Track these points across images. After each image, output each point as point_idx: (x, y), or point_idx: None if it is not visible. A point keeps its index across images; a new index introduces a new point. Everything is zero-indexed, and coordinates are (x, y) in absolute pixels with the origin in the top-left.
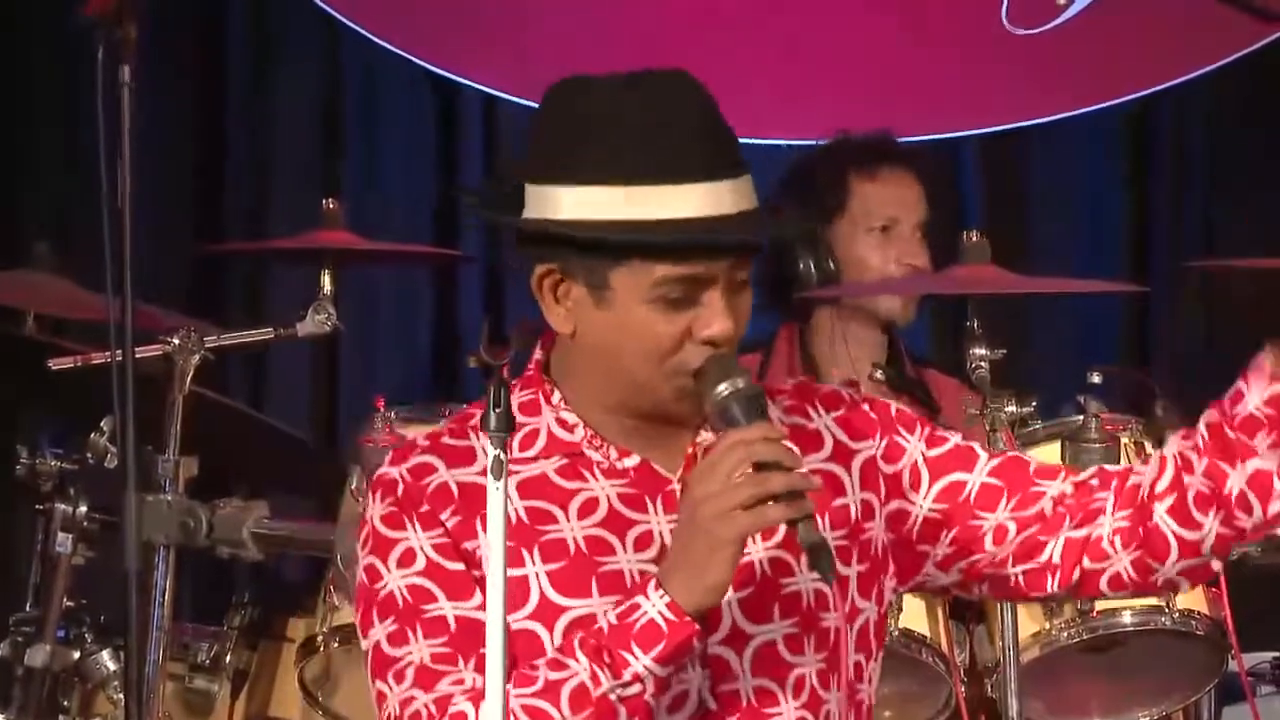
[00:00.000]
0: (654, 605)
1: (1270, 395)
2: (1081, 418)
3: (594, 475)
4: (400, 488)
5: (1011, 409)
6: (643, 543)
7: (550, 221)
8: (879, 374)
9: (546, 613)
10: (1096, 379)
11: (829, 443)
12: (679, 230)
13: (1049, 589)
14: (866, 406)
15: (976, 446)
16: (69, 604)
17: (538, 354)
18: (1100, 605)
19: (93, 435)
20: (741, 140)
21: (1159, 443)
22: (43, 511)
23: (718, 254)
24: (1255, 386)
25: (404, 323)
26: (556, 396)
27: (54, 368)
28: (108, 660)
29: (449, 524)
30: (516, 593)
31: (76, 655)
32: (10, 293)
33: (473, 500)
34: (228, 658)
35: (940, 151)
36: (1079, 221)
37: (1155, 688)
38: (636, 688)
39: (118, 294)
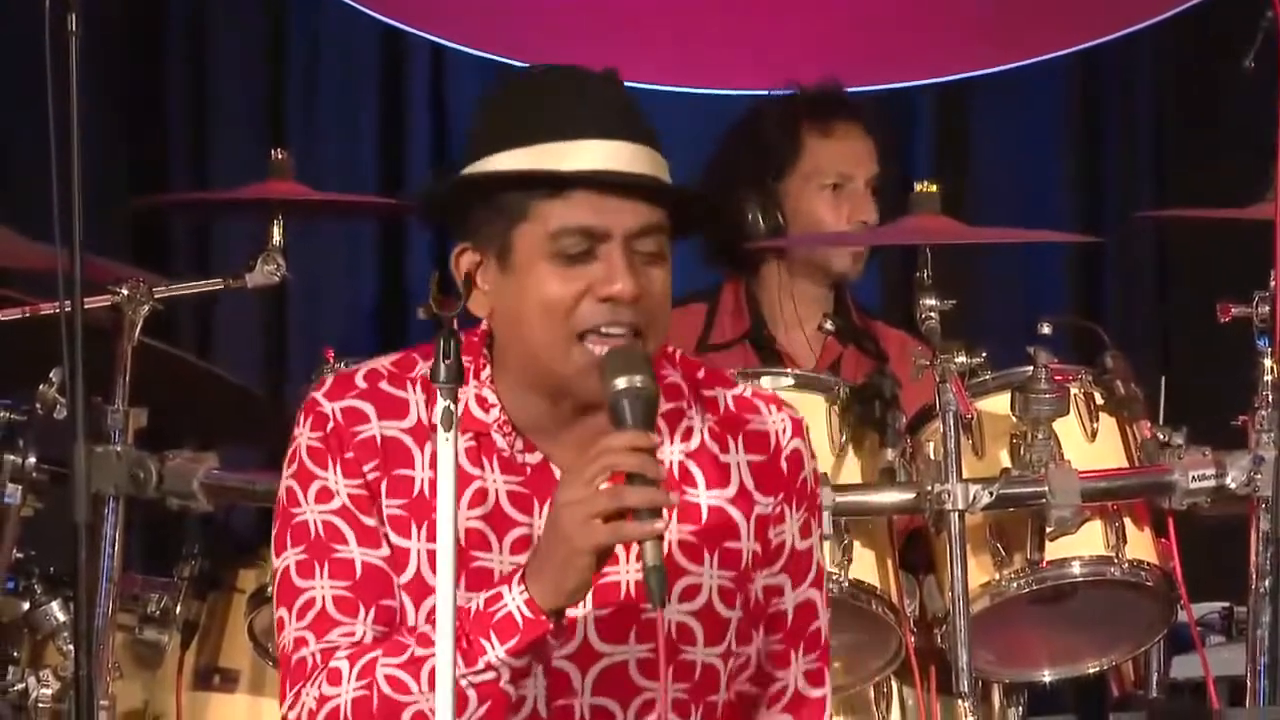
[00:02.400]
0: (514, 599)
1: None
2: (1031, 369)
3: (492, 465)
4: (330, 425)
5: (961, 360)
6: (519, 546)
7: (458, 177)
8: (828, 324)
9: (417, 590)
10: (1046, 329)
11: (734, 484)
12: (574, 175)
13: None
14: (785, 460)
15: (813, 562)
16: (18, 555)
17: (485, 322)
18: (1049, 555)
19: (41, 386)
20: (691, 90)
21: (1108, 393)
22: None
23: (614, 196)
24: None
25: (352, 274)
26: (486, 371)
27: (1, 318)
28: (57, 611)
29: (369, 477)
30: (398, 561)
31: (26, 606)
32: None
33: (394, 456)
34: (177, 609)
35: (891, 102)
36: (1029, 172)
37: (1105, 638)
38: (489, 675)
39: (66, 244)
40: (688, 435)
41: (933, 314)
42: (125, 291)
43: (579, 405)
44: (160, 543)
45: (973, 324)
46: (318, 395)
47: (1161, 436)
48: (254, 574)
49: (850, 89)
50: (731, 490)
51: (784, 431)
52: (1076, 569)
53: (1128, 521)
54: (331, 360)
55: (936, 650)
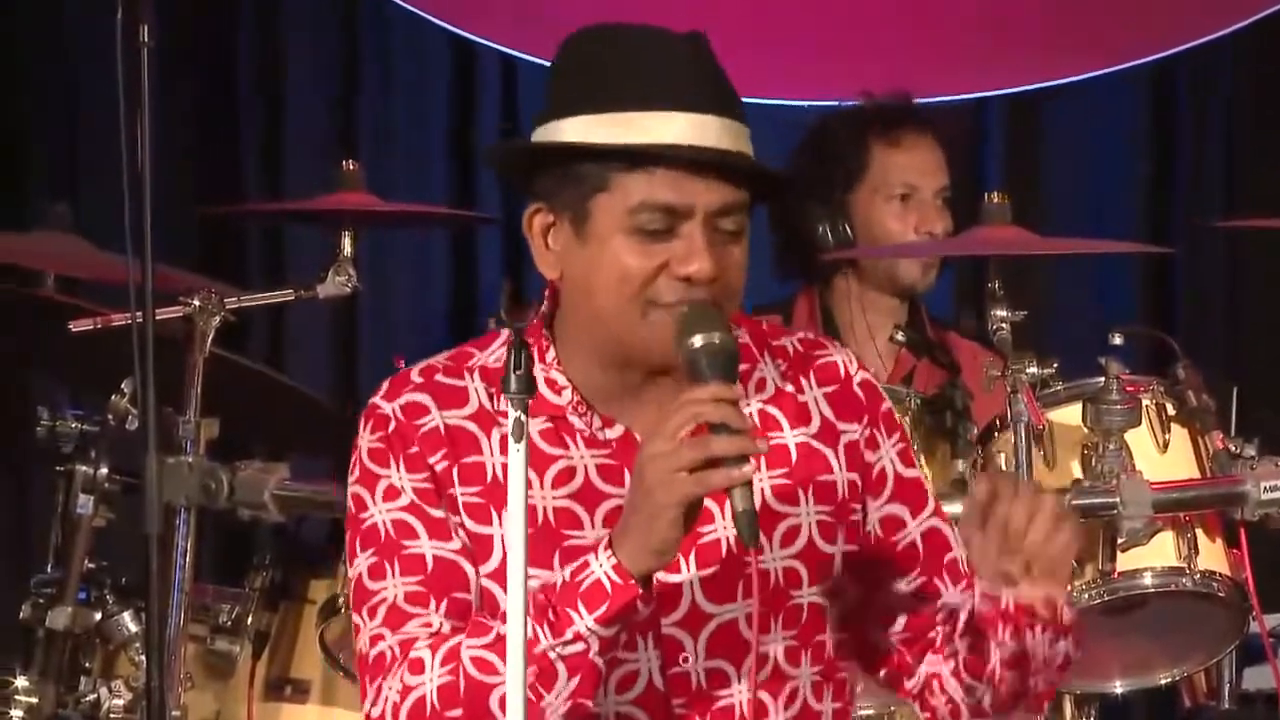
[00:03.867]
0: (601, 566)
1: (981, 594)
2: (1103, 379)
3: (575, 443)
4: (391, 424)
5: (1033, 370)
6: (612, 518)
7: (536, 144)
8: (899, 335)
9: (505, 576)
10: (1118, 340)
11: (816, 419)
12: (659, 149)
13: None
14: (859, 387)
15: (929, 490)
16: (90, 566)
17: (544, 306)
18: (1121, 567)
19: (113, 397)
20: (763, 101)
21: (1180, 404)
22: (63, 473)
23: (699, 173)
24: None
25: (423, 284)
26: (551, 354)
27: (74, 329)
28: (129, 622)
29: (436, 468)
30: (482, 549)
31: (98, 617)
32: (29, 254)
33: (460, 444)
34: (249, 619)
35: (962, 112)
36: (1100, 182)
37: (1176, 649)
38: (579, 646)
39: (138, 255)
40: (761, 386)
41: (1004, 324)
42: (197, 302)
43: (648, 371)
44: (232, 553)
45: (1044, 335)
46: (375, 399)
47: (1233, 447)
48: (325, 584)
49: (920, 99)
50: (814, 426)
51: (850, 363)
52: (1148, 580)
53: (1199, 532)
54: (403, 368)
55: None
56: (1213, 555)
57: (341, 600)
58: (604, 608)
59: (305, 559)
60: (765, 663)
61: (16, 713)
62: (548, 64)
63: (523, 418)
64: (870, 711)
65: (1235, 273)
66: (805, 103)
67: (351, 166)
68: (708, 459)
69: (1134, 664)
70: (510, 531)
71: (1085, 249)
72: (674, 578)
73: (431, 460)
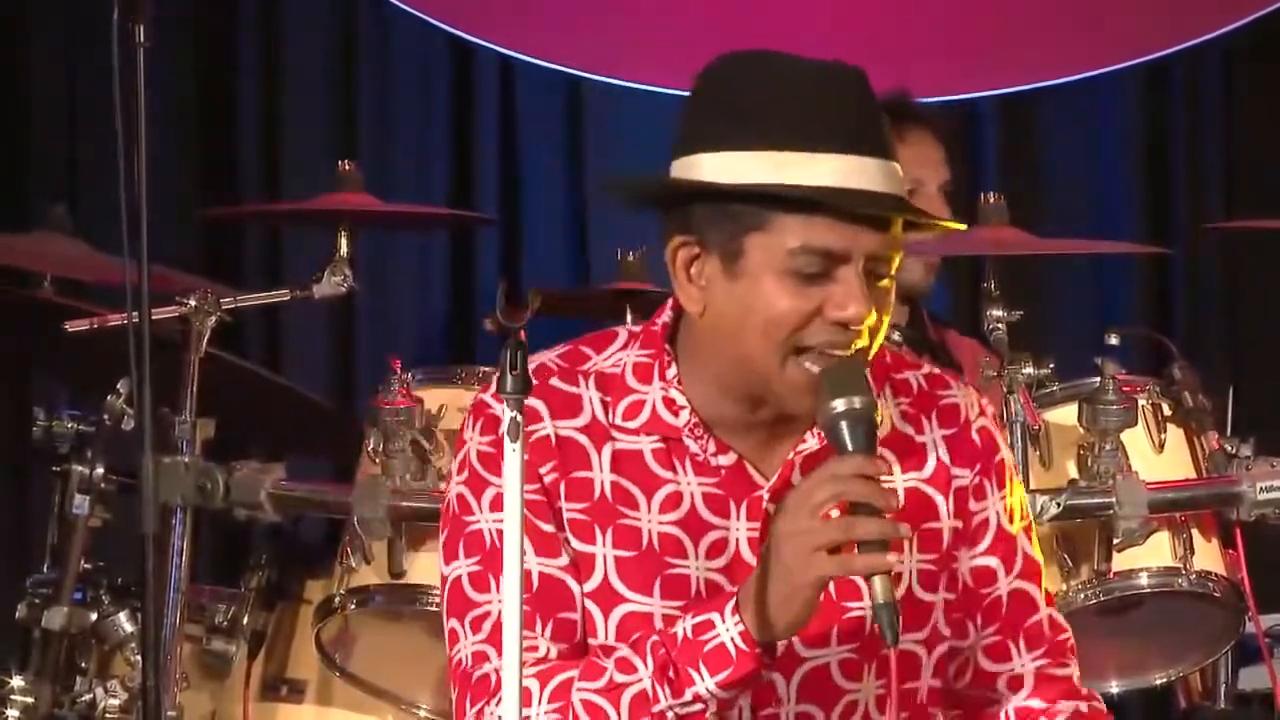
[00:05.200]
0: (727, 630)
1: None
2: (1099, 379)
3: (685, 468)
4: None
5: (1029, 370)
6: (716, 550)
7: (687, 182)
8: (896, 336)
9: (606, 598)
10: (1114, 340)
11: (931, 462)
12: (823, 194)
13: None
14: (976, 434)
15: (1019, 550)
16: (86, 566)
17: (666, 314)
18: (1117, 567)
19: (109, 397)
20: None
21: (1176, 404)
22: (60, 473)
23: (860, 223)
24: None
25: (421, 285)
26: (672, 371)
27: (70, 330)
28: (125, 622)
29: (546, 480)
30: (584, 567)
31: (94, 617)
32: (26, 255)
33: (571, 457)
34: (245, 619)
35: (957, 112)
36: (1097, 182)
37: (1172, 649)
38: (697, 707)
39: (134, 256)
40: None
41: (1000, 325)
42: (193, 302)
43: (785, 415)
44: (228, 553)
45: (1040, 335)
46: (485, 397)
47: (1229, 448)
48: (321, 585)
49: (917, 99)
50: (928, 470)
51: (973, 406)
52: (1144, 580)
53: (1195, 533)
54: (398, 370)
55: None
56: (1209, 555)
57: (338, 600)
58: (727, 673)
59: (302, 559)
60: (855, 710)
61: (12, 713)
62: (545, 65)
63: (518, 417)
64: None
65: (1232, 273)
66: None
67: (348, 167)
68: (850, 541)
69: (1130, 664)
70: (506, 534)
71: (1082, 249)
72: (776, 654)
73: (542, 471)
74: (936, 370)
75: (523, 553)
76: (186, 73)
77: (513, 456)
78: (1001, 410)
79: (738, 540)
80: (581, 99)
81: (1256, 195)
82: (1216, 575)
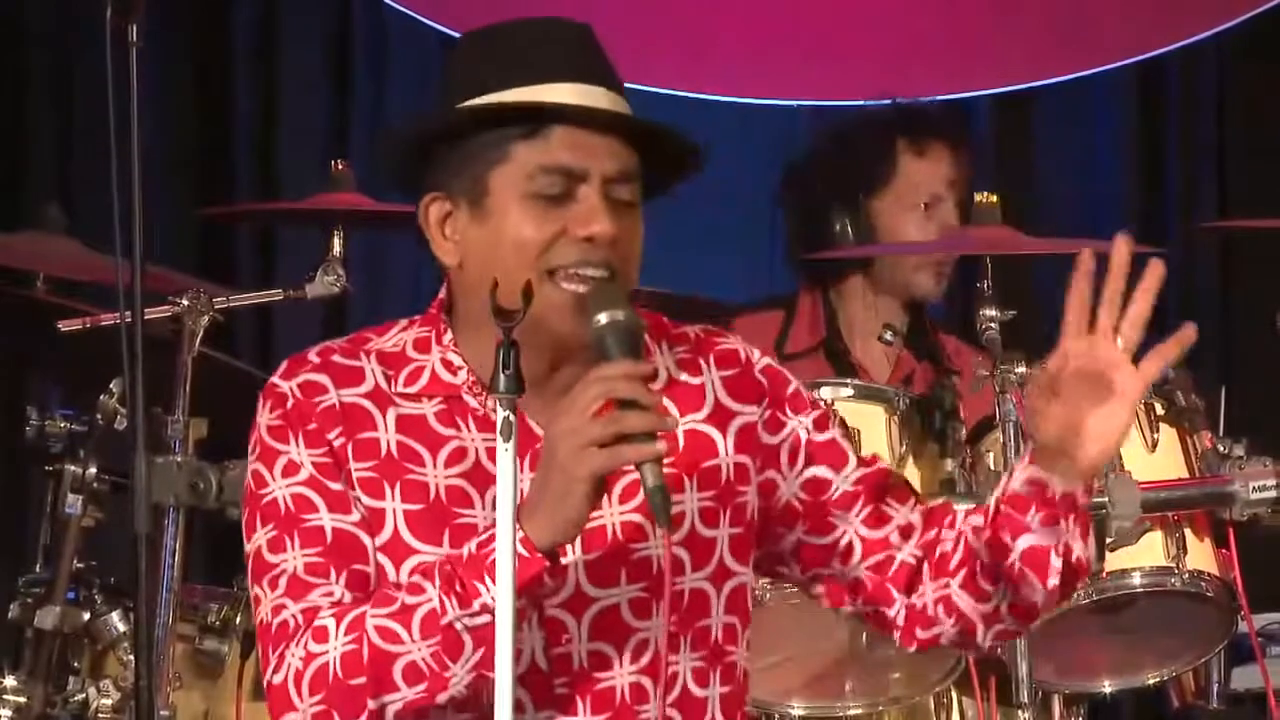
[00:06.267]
0: None
1: (1028, 476)
2: None
3: (468, 425)
4: (289, 401)
5: (1021, 370)
6: None
7: (423, 118)
8: (887, 335)
9: (396, 550)
10: None
11: (709, 402)
12: (552, 108)
13: (893, 638)
14: (760, 374)
15: (849, 449)
16: (79, 565)
17: (441, 292)
18: (1110, 566)
19: (102, 397)
20: (752, 101)
21: (1169, 404)
22: (52, 473)
23: (594, 136)
24: (1019, 465)
25: (413, 285)
26: (448, 336)
27: (63, 329)
28: (117, 621)
29: (334, 444)
30: (374, 522)
31: (86, 616)
32: (20, 254)
33: (356, 420)
34: (237, 619)
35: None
36: (1090, 182)
37: (1165, 649)
38: (484, 618)
39: (127, 256)
40: (652, 378)
41: (993, 324)
42: (185, 302)
43: (551, 357)
44: (220, 553)
45: (1033, 334)
46: (273, 379)
47: (1222, 447)
48: None
49: (913, 100)
50: (706, 410)
51: (752, 351)
52: (1137, 580)
53: (1188, 532)
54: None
55: (997, 661)
56: (1201, 555)
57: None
58: None
59: None
60: (646, 648)
61: (5, 712)
62: None
63: (511, 417)
64: (859, 711)
65: (1225, 273)
66: (794, 103)
67: (341, 167)
68: (619, 434)
69: (1123, 664)
70: (499, 524)
71: (1074, 249)
72: (560, 561)
73: (329, 436)
74: (711, 326)
75: (317, 509)
76: (181, 72)
77: (505, 455)
78: (995, 410)
79: (521, 490)
80: None
81: (1250, 195)
82: (1209, 575)
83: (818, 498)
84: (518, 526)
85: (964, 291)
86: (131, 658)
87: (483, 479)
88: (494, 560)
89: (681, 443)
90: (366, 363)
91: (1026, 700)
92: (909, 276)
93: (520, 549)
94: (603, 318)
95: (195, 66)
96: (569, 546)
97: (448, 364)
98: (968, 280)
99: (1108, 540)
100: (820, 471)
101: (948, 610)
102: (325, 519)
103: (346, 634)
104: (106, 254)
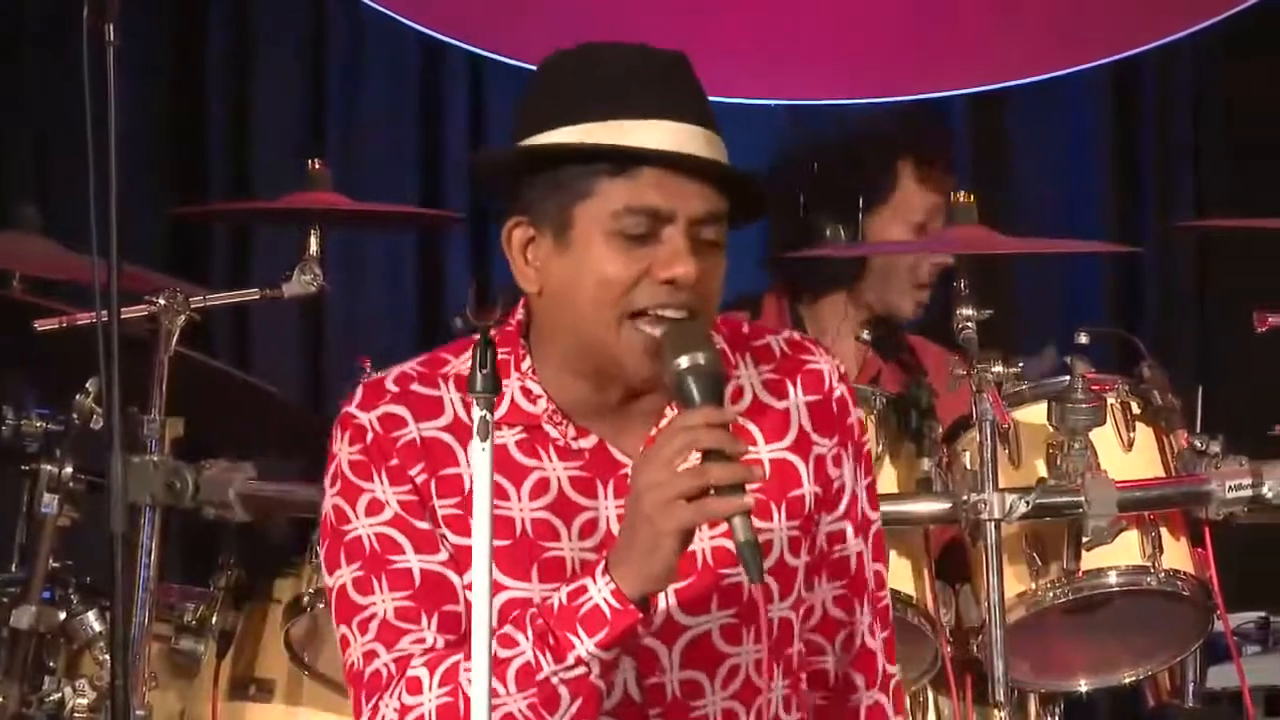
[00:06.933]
0: (600, 591)
1: None
2: (1068, 378)
3: (548, 455)
4: (369, 436)
5: (998, 369)
6: (587, 530)
7: (509, 148)
8: (865, 334)
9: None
10: (1084, 339)
11: (794, 429)
12: (644, 151)
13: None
14: (836, 403)
15: (871, 520)
16: (55, 565)
17: (519, 313)
18: (1086, 565)
19: (78, 396)
20: (726, 100)
21: (1145, 403)
22: (28, 472)
23: (682, 179)
24: None
25: (390, 284)
26: (526, 363)
27: (39, 329)
28: (93, 621)
29: (417, 481)
30: (462, 560)
31: (62, 616)
32: None
33: (438, 456)
34: (214, 618)
35: (928, 111)
36: (1067, 181)
37: (1141, 648)
38: (580, 670)
39: (103, 255)
40: (737, 395)
41: (969, 324)
42: (162, 301)
43: (627, 389)
44: (196, 552)
45: (1010, 334)
46: (350, 409)
47: (1198, 446)
48: (290, 584)
49: (884, 99)
50: (790, 438)
51: (834, 373)
52: (1113, 579)
53: (1164, 531)
54: (368, 368)
55: (972, 660)
56: (1177, 554)
57: (306, 599)
58: (604, 633)
59: (270, 558)
60: (737, 674)
61: None
62: (514, 63)
63: (488, 416)
64: None
65: (1201, 272)
66: (771, 102)
67: (317, 166)
68: (705, 487)
69: (1099, 663)
70: (475, 535)
71: (1051, 248)
72: (651, 610)
73: (412, 473)
74: (797, 335)
75: (403, 550)
76: (157, 72)
77: (481, 456)
78: (971, 409)
79: (608, 518)
80: None
81: (1226, 194)
82: (1185, 574)
83: (830, 549)
84: (609, 579)
85: (941, 291)
86: (107, 657)
87: (568, 510)
88: (586, 611)
89: (767, 471)
90: (445, 391)
91: (1002, 699)
92: (893, 300)
93: (613, 601)
94: (683, 361)
95: (171, 66)
96: (661, 595)
97: (526, 392)
98: (944, 279)
99: (1084, 540)
100: (843, 526)
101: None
102: (413, 560)
103: (441, 685)
104: (83, 253)
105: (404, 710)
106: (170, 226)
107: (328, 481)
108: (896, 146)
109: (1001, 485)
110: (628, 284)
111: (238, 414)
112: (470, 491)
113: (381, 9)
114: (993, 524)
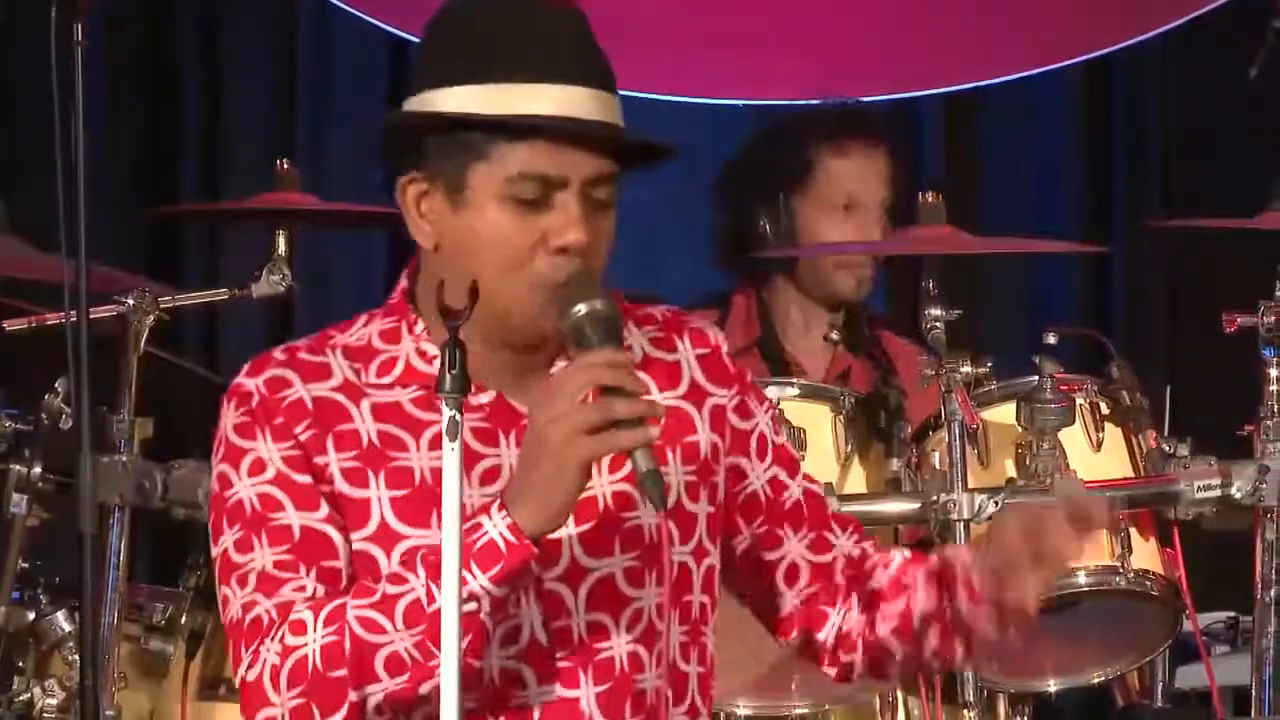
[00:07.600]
0: (495, 526)
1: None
2: (1037, 378)
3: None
4: (255, 399)
5: (967, 369)
6: (489, 477)
7: (412, 113)
8: (834, 334)
9: (385, 538)
10: (1052, 339)
11: (686, 379)
12: (540, 121)
13: (818, 662)
14: (727, 358)
15: (796, 458)
16: (24, 565)
17: (403, 281)
18: None
19: (47, 396)
20: (698, 100)
21: (1114, 403)
22: None
23: (575, 145)
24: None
25: (359, 284)
26: (419, 326)
27: (7, 329)
28: (63, 621)
29: (302, 437)
30: (359, 513)
31: (31, 616)
32: None
33: (327, 414)
34: (183, 619)
35: (899, 112)
36: (1036, 181)
37: (1110, 648)
38: (471, 606)
39: (72, 255)
40: (627, 353)
41: (938, 324)
42: (131, 301)
43: (524, 343)
44: (166, 553)
45: (978, 334)
46: (238, 379)
47: (1167, 446)
48: None
49: (861, 98)
50: (683, 387)
51: (719, 335)
52: (1081, 579)
53: (1133, 531)
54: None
55: None
56: (1146, 554)
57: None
58: (498, 567)
59: None
60: (641, 617)
61: None
62: None
63: (458, 416)
64: (805, 710)
65: (1171, 273)
66: (740, 102)
67: (285, 166)
68: (609, 420)
69: (1067, 663)
70: (445, 526)
71: (1020, 248)
72: (554, 535)
73: (296, 430)
74: (675, 307)
75: (284, 508)
76: (125, 71)
77: (451, 456)
78: (940, 409)
79: (510, 465)
80: None
81: (1196, 195)
82: (1154, 574)
83: (777, 496)
84: (505, 514)
85: (909, 291)
86: (77, 657)
87: (470, 458)
88: (481, 546)
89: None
90: (332, 358)
91: (972, 699)
92: (828, 277)
93: (509, 535)
94: (581, 308)
95: (140, 65)
96: (563, 540)
97: (422, 354)
98: (913, 279)
99: None
100: (779, 472)
101: (866, 644)
102: (293, 517)
103: (326, 626)
104: (51, 253)
105: (287, 651)
106: (140, 226)
107: (214, 452)
108: (811, 126)
109: (971, 485)
110: (525, 254)
111: (207, 414)
112: (368, 445)
113: (350, 10)
114: (962, 524)
